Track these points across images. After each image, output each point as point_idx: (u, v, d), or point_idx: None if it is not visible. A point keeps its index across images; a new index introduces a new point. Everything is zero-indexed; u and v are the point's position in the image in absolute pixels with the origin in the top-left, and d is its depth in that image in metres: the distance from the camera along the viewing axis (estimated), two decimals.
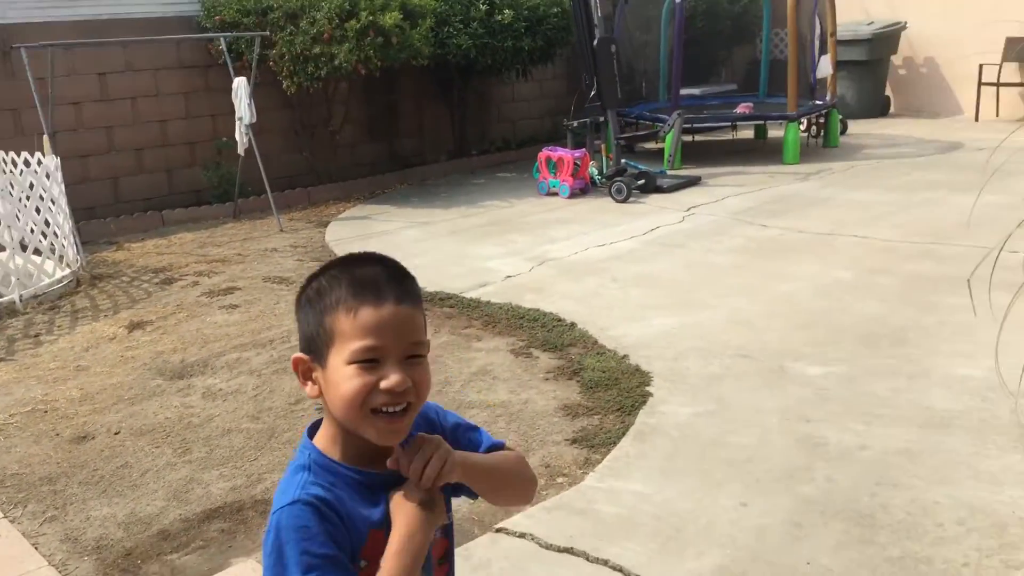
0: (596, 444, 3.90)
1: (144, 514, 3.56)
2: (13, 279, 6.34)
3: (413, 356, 1.35)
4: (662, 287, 6.10)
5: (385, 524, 1.36)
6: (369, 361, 1.32)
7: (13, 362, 5.41)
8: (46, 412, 4.63)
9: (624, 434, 3.96)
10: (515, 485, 1.60)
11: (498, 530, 3.26)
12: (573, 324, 5.43)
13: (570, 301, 5.89)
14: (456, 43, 9.77)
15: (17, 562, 3.26)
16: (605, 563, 2.99)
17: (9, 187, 6.48)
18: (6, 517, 3.59)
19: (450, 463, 1.37)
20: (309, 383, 1.40)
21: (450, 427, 1.54)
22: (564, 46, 10.94)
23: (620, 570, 2.95)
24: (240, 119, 8.56)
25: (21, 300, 6.37)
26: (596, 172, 9.38)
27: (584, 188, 9.35)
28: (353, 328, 1.32)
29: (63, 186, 7.02)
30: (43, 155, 7.04)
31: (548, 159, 9.41)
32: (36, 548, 3.35)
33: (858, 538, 3.04)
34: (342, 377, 1.32)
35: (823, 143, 11.28)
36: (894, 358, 4.60)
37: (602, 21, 9.71)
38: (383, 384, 1.31)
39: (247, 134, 8.62)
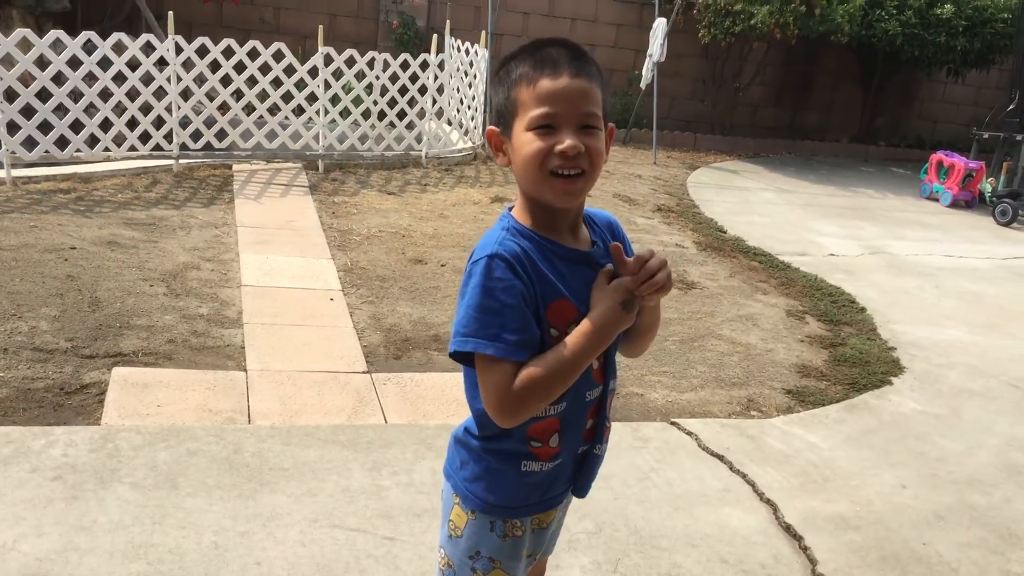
0: (807, 401, 4.17)
1: (431, 321, 4.57)
2: (425, 138, 7.84)
3: (588, 127, 1.43)
4: (979, 306, 5.87)
5: (571, 297, 1.47)
6: (546, 127, 1.42)
7: (400, 199, 6.83)
8: (404, 237, 5.89)
9: (838, 402, 4.17)
10: (655, 330, 1.67)
11: (672, 423, 3.76)
12: (863, 309, 5.53)
13: (875, 291, 5.93)
14: (884, 27, 9.58)
15: (334, 318, 4.46)
16: (743, 476, 3.38)
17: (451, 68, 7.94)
18: (343, 291, 4.83)
19: (670, 285, 1.46)
20: (500, 154, 1.52)
21: (631, 247, 1.63)
22: (1007, 54, 10.16)
23: (752, 485, 3.33)
24: (650, 56, 9.33)
25: (426, 157, 7.85)
26: (989, 189, 8.80)
27: (969, 202, 8.84)
28: (532, 98, 1.42)
29: (487, 78, 8.34)
30: (481, 47, 8.39)
31: (940, 163, 9.01)
32: (351, 314, 4.52)
33: (992, 547, 3.08)
34: (523, 143, 1.43)
35: None
36: None
37: None
38: (557, 147, 1.40)
39: (652, 71, 9.38)
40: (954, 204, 8.76)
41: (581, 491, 1.67)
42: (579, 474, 1.64)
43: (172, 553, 2.48)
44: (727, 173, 9.32)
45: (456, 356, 1.47)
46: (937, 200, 8.91)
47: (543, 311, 1.44)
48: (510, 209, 1.55)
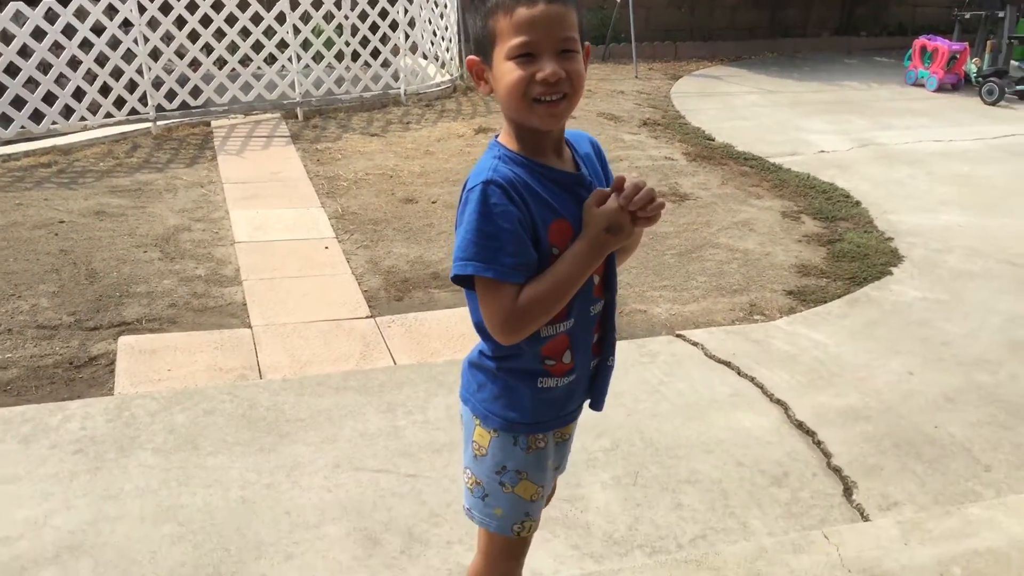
0: (809, 300, 4.20)
1: (428, 259, 4.57)
2: (402, 75, 7.72)
3: (567, 51, 1.44)
4: (974, 188, 5.86)
5: (567, 217, 1.50)
6: (526, 56, 1.43)
7: (384, 139, 6.76)
8: (391, 177, 5.85)
9: (839, 297, 4.20)
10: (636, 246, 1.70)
11: (677, 335, 3.79)
12: (858, 203, 5.52)
13: (868, 183, 5.92)
14: None
15: (332, 266, 4.46)
16: (752, 380, 3.42)
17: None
18: (337, 238, 4.82)
19: (659, 215, 1.48)
20: (482, 83, 1.53)
21: (608, 168, 1.70)
22: None
23: (761, 387, 3.37)
24: None
25: (405, 94, 7.75)
26: (974, 69, 8.70)
27: (956, 84, 8.75)
28: (510, 26, 1.43)
29: (458, 7, 8.17)
30: None
31: (923, 48, 8.89)
32: (348, 261, 4.51)
33: (1002, 423, 3.14)
34: (504, 72, 1.45)
35: None
36: None
37: None
38: (538, 75, 1.42)
39: None
40: (940, 88, 8.68)
41: (597, 404, 1.71)
42: (594, 387, 1.69)
43: (201, 512, 2.52)
44: (710, 80, 9.20)
45: (457, 280, 1.51)
46: (923, 86, 8.83)
47: (543, 232, 1.48)
48: (496, 137, 1.57)
